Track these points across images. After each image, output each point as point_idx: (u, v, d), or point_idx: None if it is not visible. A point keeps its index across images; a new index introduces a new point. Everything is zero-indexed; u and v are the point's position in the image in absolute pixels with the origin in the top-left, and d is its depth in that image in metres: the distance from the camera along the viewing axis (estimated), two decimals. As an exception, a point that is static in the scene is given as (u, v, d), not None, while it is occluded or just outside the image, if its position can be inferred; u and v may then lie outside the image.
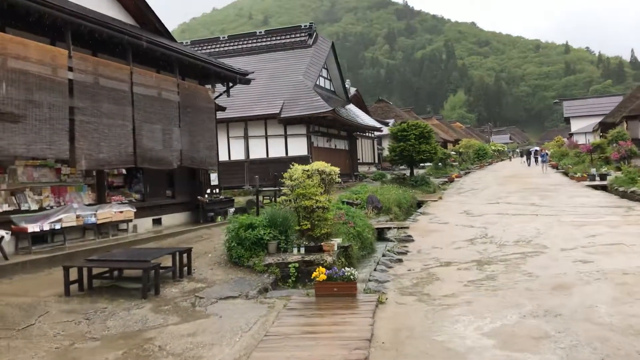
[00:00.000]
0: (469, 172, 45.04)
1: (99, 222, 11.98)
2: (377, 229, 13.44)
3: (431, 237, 12.82)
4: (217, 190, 17.44)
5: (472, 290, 7.84)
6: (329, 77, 32.79)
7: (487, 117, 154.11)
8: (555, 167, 47.47)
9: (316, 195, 9.90)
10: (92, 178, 12.75)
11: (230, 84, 17.10)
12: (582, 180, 27.84)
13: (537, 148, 67.23)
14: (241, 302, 7.70)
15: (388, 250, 10.91)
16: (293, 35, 32.04)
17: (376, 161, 45.14)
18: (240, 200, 19.58)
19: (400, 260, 10.22)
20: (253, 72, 18.14)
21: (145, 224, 14.10)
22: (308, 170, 10.20)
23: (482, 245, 11.45)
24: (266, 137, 27.53)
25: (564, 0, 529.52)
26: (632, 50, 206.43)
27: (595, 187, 24.58)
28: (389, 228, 14.14)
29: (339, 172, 10.88)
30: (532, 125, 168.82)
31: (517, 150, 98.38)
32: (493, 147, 76.06)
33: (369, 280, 8.49)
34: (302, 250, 9.75)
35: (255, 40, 32.91)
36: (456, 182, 33.07)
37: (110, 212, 12.31)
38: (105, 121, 11.51)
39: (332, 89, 33.21)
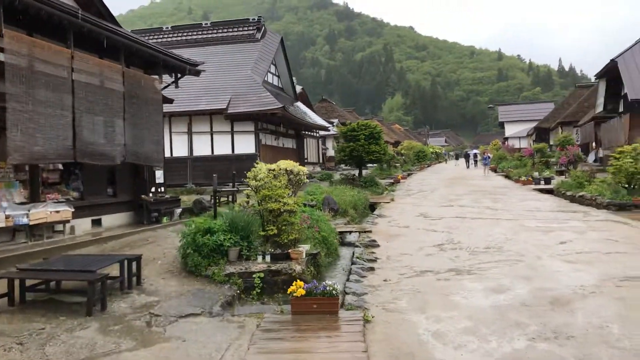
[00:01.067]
0: (411, 174, 45.11)
1: (31, 223, 10.58)
2: (338, 232, 12.64)
3: (396, 242, 12.13)
4: (163, 189, 16.15)
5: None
6: (277, 74, 31.80)
7: (423, 120, 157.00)
8: (494, 170, 48.38)
9: (284, 197, 8.98)
10: (24, 173, 11.31)
11: (179, 75, 15.88)
12: (528, 183, 28.13)
13: (477, 151, 68.83)
14: (205, 320, 6.68)
15: (357, 258, 10.11)
16: (241, 29, 30.84)
17: (321, 161, 44.45)
18: (185, 200, 18.31)
19: (372, 269, 9.44)
20: (204, 63, 16.96)
21: (83, 225, 12.72)
22: (274, 170, 9.25)
23: (452, 251, 10.85)
24: (211, 133, 26.26)
25: (498, 10, 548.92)
26: (560, 60, 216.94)
27: (542, 191, 24.80)
28: (350, 232, 13.37)
29: (307, 172, 9.99)
30: (466, 129, 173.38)
31: (452, 153, 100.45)
32: (432, 150, 77.04)
33: (346, 293, 7.65)
34: (268, 258, 8.82)
35: (200, 32, 31.48)
36: (402, 184, 32.79)
37: (45, 211, 10.91)
38: (41, 110, 10.12)
39: (280, 85, 32.23)
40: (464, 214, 16.63)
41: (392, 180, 33.25)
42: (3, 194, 10.66)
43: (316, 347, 5.55)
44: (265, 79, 28.74)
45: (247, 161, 25.54)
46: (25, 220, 10.45)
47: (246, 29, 30.78)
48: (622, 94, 34.63)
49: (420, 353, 5.41)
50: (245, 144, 26.03)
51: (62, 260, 8.17)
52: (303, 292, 6.56)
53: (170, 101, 16.95)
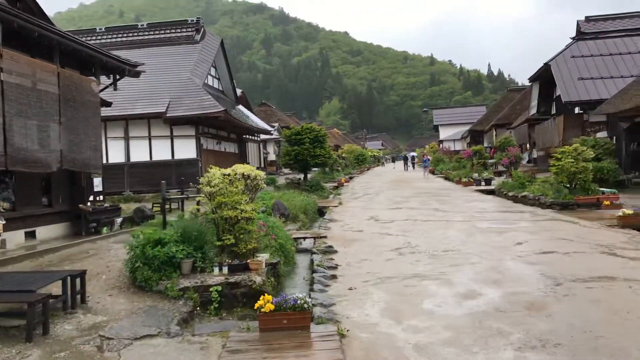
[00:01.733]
0: (353, 177, 45.25)
1: (-44, 238, 9.54)
2: (293, 239, 12.17)
3: (354, 247, 11.78)
4: (102, 197, 15.18)
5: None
6: (217, 76, 30.98)
7: (359, 124, 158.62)
8: (432, 172, 49.20)
9: (240, 204, 8.42)
10: (-54, 183, 10.22)
11: (118, 76, 14.98)
12: (469, 185, 28.57)
13: (414, 154, 70.10)
14: (163, 342, 6.06)
15: (318, 265, 9.67)
16: (179, 30, 29.88)
17: (262, 165, 43.80)
18: (124, 209, 17.34)
19: (334, 277, 9.03)
20: (143, 64, 16.09)
21: (16, 238, 11.68)
22: (229, 175, 8.67)
23: (411, 255, 10.59)
24: (150, 138, 25.20)
25: (428, 13, 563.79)
26: (489, 65, 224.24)
27: (484, 192, 25.20)
28: (305, 238, 12.92)
29: (264, 177, 9.46)
30: (401, 132, 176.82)
31: (388, 156, 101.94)
32: (370, 153, 77.80)
33: (313, 305, 7.20)
34: (225, 269, 8.24)
35: (136, 34, 30.26)
36: (346, 187, 32.68)
37: (-29, 225, 9.88)
38: (-35, 113, 9.15)
39: (221, 88, 31.42)
40: (415, 216, 16.53)
41: (335, 184, 33.07)
42: None
43: (293, 368, 5.07)
44: (206, 81, 27.90)
45: (188, 167, 24.72)
46: (-51, 235, 9.41)
47: (184, 30, 29.83)
48: (555, 96, 35.95)
49: (405, 370, 5.03)
50: (186, 149, 25.15)
51: (-5, 279, 7.30)
52: (272, 307, 6.06)
53: (109, 104, 16.01)
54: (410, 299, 7.47)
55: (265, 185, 9.73)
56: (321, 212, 19.91)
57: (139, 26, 31.12)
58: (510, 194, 22.09)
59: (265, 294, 6.37)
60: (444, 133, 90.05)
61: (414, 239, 12.38)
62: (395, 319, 6.57)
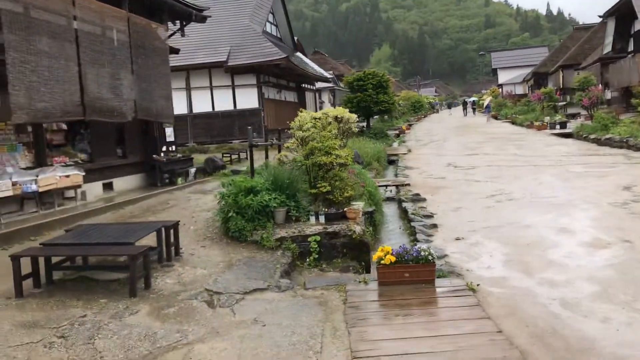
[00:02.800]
0: (412, 124, 43.99)
1: (41, 189, 9.35)
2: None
3: (442, 195, 11.08)
4: (174, 148, 14.92)
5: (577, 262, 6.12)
6: (275, 23, 30.03)
7: (411, 70, 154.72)
8: (495, 117, 47.32)
9: (335, 149, 7.81)
10: (27, 135, 9.98)
11: (184, 22, 14.43)
12: (542, 128, 27.12)
13: (474, 99, 67.88)
14: (276, 296, 5.60)
15: (412, 214, 9.05)
16: (235, -25, 28.85)
17: (319, 115, 43.09)
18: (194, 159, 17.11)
19: (435, 226, 8.40)
20: (209, 8, 15.45)
21: (94, 190, 11.52)
22: (320, 119, 8.04)
23: (510, 203, 9.82)
24: (211, 88, 24.74)
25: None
26: (548, 4, 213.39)
27: (561, 135, 23.83)
28: (387, 186, 12.29)
29: (356, 119, 8.79)
30: (454, 78, 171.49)
31: (444, 102, 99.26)
32: (426, 100, 75.66)
33: (426, 257, 6.60)
34: (322, 218, 7.72)
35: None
36: (408, 134, 31.70)
37: (54, 176, 9.66)
38: (44, 62, 8.77)
39: (279, 35, 30.49)
40: (495, 162, 15.61)
41: (397, 131, 32.10)
42: (7, 158, 9.40)
43: (434, 327, 4.50)
44: (264, 28, 27.05)
45: (250, 117, 24.25)
46: (34, 187, 9.22)
47: (241, -25, 28.81)
48: (633, 32, 33.40)
49: (565, 330, 4.39)
50: (248, 98, 24.56)
51: (90, 231, 6.99)
52: (393, 258, 5.49)
53: (177, 51, 15.58)
54: (531, 250, 6.77)
55: (356, 129, 9.08)
56: (390, 160, 19.19)
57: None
58: (592, 136, 20.72)
59: (385, 245, 5.80)
60: (503, 77, 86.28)
61: (506, 185, 11.55)
62: (524, 272, 5.91)
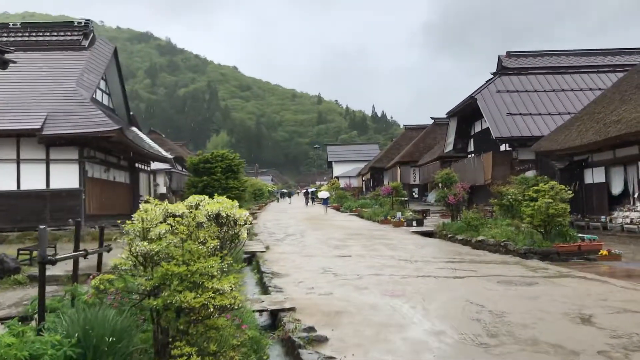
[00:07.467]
0: (254, 213, 41.13)
1: None
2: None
3: (348, 329, 7.66)
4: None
5: None
6: (107, 91, 25.96)
7: (248, 158, 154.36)
8: (337, 209, 46.39)
9: (213, 277, 4.33)
10: None
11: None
12: (400, 225, 25.68)
13: (314, 189, 68.57)
14: None
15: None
16: (62, 34, 24.67)
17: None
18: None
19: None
20: (14, 51, 11.42)
21: None
22: (184, 216, 4.56)
23: (478, 349, 6.93)
24: (18, 161, 19.76)
25: (317, 55, 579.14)
26: (373, 106, 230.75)
27: (423, 234, 22.34)
28: (261, 311, 8.78)
29: (249, 219, 5.42)
30: (289, 168, 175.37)
31: (285, 190, 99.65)
32: (268, 188, 74.25)
33: None
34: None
35: (7, 35, 24.54)
36: (257, 226, 28.54)
37: None
38: None
39: (112, 106, 26.37)
40: (379, 267, 12.93)
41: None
42: None
43: None
44: (94, 96, 22.91)
45: (67, 199, 19.65)
46: None
47: (69, 34, 24.70)
48: (473, 133, 34.67)
49: None
50: (66, 177, 19.99)
51: None
52: None
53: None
54: None
55: (246, 235, 5.66)
56: (246, 259, 15.76)
57: (11, 25, 25.38)
58: (459, 237, 19.25)
59: None
60: (338, 170, 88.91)
61: (432, 311, 8.45)
62: None
